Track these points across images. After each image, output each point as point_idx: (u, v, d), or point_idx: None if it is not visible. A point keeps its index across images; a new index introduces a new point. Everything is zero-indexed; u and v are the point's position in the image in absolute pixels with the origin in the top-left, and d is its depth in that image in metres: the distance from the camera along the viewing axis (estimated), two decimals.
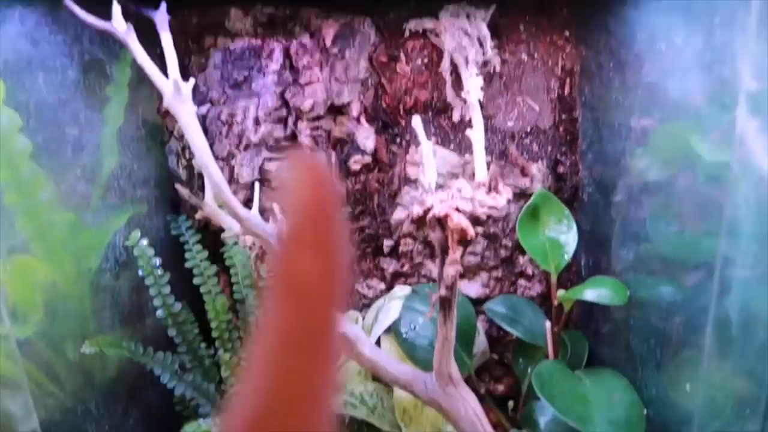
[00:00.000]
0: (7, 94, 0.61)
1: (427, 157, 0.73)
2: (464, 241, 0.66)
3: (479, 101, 0.80)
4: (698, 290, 0.69)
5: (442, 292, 0.67)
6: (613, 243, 0.86)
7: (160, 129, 0.94)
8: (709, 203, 0.67)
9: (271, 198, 0.89)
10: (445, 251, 0.67)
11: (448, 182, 0.88)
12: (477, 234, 0.66)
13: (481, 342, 0.90)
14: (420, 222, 0.68)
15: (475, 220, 0.66)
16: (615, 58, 0.83)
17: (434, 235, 0.68)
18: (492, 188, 0.68)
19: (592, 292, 0.75)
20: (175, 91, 0.68)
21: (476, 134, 0.76)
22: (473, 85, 0.79)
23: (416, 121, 0.75)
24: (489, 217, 0.67)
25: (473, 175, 0.79)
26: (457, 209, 0.66)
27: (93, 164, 0.77)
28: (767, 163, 0.61)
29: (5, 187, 0.60)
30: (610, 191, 0.87)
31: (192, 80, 0.71)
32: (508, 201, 0.68)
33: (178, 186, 0.78)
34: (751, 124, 0.62)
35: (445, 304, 0.68)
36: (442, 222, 0.66)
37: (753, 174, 0.61)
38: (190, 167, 0.92)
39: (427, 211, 0.67)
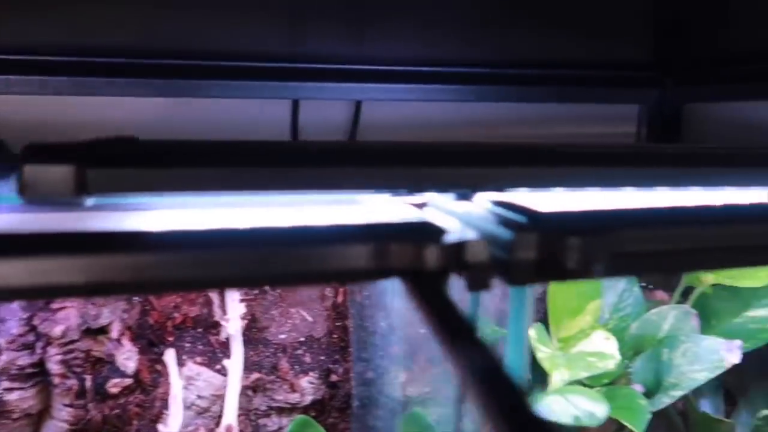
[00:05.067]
0: None
1: (175, 401, 0.71)
2: None
3: (241, 324, 0.82)
4: None
5: None
6: None
7: None
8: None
9: (18, 428, 0.80)
10: None
11: (212, 407, 0.86)
12: None
13: None
14: None
15: None
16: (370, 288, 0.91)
17: None
18: None
19: None
20: None
21: (233, 366, 0.77)
22: (234, 313, 0.80)
23: (170, 356, 0.74)
24: None
25: (241, 395, 0.78)
26: None
27: None
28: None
29: None
30: (376, 403, 0.91)
31: None
32: None
33: None
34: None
35: None
36: None
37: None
38: None
39: None
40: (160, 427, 0.79)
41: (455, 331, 0.33)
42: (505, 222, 0.40)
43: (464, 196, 0.54)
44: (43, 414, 0.84)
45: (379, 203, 0.56)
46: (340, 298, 0.99)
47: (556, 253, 0.38)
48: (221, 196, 0.47)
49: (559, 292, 0.88)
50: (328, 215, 0.56)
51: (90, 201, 0.41)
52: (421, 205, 0.55)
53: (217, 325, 0.90)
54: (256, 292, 0.91)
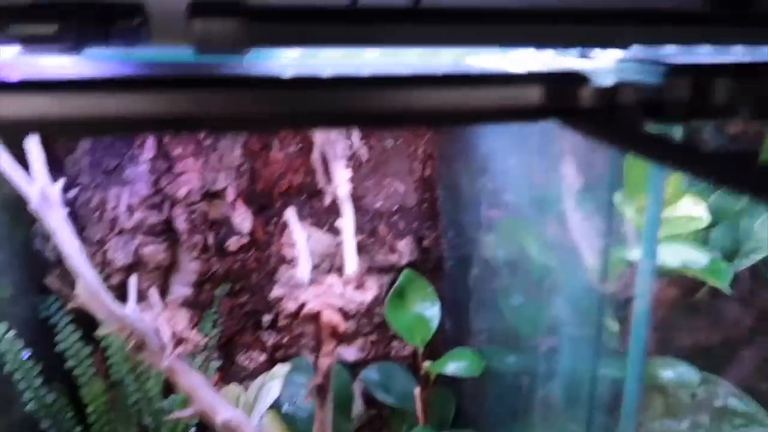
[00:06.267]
0: None
1: (301, 251, 0.78)
2: (336, 334, 0.73)
3: (349, 188, 0.87)
4: (534, 361, 0.81)
5: (318, 380, 0.73)
6: (471, 312, 0.97)
7: (23, 208, 0.91)
8: (541, 291, 0.79)
9: (150, 280, 0.90)
10: (319, 343, 0.73)
11: (322, 263, 0.94)
12: (347, 328, 0.72)
13: (358, 405, 0.97)
14: (295, 317, 0.74)
15: (345, 315, 0.73)
16: (465, 154, 0.94)
17: (308, 329, 0.74)
18: (359, 285, 0.75)
19: (452, 366, 0.85)
20: (41, 199, 0.68)
21: (346, 225, 0.83)
22: (341, 178, 0.86)
23: (290, 214, 0.80)
24: (357, 312, 0.74)
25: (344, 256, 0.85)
26: (329, 305, 0.72)
27: None
28: (587, 262, 0.74)
29: None
30: (468, 265, 0.97)
31: (61, 181, 0.71)
32: (374, 297, 0.76)
33: (49, 279, 0.77)
34: (574, 229, 0.74)
35: (320, 391, 0.74)
36: (315, 317, 0.72)
37: (573, 273, 0.73)
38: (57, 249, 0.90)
39: (301, 307, 0.73)
40: (295, 271, 0.87)
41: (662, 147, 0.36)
42: (647, 70, 0.42)
43: (586, 55, 0.55)
44: (170, 268, 0.94)
45: (523, 56, 0.58)
46: (428, 172, 1.04)
47: (705, 93, 0.40)
48: (370, 48, 0.50)
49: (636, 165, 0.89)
50: (490, 61, 0.58)
51: (250, 52, 0.44)
52: (560, 58, 0.57)
53: (319, 193, 0.96)
54: (353, 164, 0.95)
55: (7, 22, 0.36)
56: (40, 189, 0.67)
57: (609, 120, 0.39)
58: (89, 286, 0.69)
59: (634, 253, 0.80)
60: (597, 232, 0.73)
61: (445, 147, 0.99)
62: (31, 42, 0.37)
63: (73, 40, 0.38)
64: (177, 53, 0.52)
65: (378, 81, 0.38)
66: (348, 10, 0.46)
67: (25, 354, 0.81)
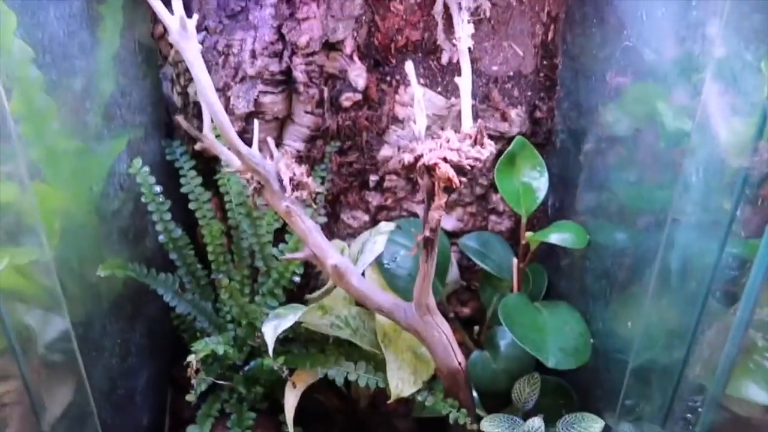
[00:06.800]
0: (19, 27, 0.62)
1: (418, 105, 0.77)
2: (449, 189, 0.73)
3: (470, 44, 0.84)
4: (647, 238, 0.78)
5: (426, 233, 0.74)
6: (579, 188, 0.94)
7: (154, 53, 0.94)
8: (667, 164, 0.75)
9: (265, 131, 0.93)
10: (431, 196, 0.74)
11: (433, 126, 0.93)
12: (461, 182, 0.72)
13: (453, 272, 0.99)
14: (410, 168, 0.74)
15: (459, 170, 0.72)
16: (599, 13, 0.87)
17: (422, 182, 0.74)
18: (477, 141, 0.74)
19: (556, 236, 0.84)
20: (181, 28, 0.70)
21: (464, 83, 0.81)
22: (464, 32, 0.82)
23: (409, 67, 0.79)
24: (473, 167, 0.73)
25: (458, 118, 0.84)
26: (445, 159, 0.72)
27: (92, 90, 0.79)
28: (723, 134, 0.69)
29: (21, 117, 0.63)
30: (581, 139, 0.94)
31: (196, 16, 0.72)
32: (491, 154, 0.74)
33: (178, 118, 0.81)
34: (713, 96, 0.69)
35: (428, 244, 0.75)
36: (430, 170, 0.73)
37: (708, 144, 0.68)
38: (185, 94, 0.94)
39: (417, 159, 0.73)
40: (405, 132, 0.87)
41: None
42: None
43: None
44: (285, 120, 0.96)
45: None
46: (550, 35, 0.98)
47: None
48: None
49: None
50: None
51: None
52: None
53: (437, 50, 0.93)
54: (474, 20, 0.91)
55: None
56: (180, 18, 0.69)
57: None
58: (219, 122, 0.72)
59: None
60: (739, 102, 0.67)
61: (573, 7, 0.93)
62: None
63: None
64: None
65: None
66: None
67: (158, 189, 0.87)
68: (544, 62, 0.99)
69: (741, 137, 0.67)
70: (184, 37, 0.70)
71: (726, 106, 0.68)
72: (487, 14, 0.93)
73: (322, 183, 0.97)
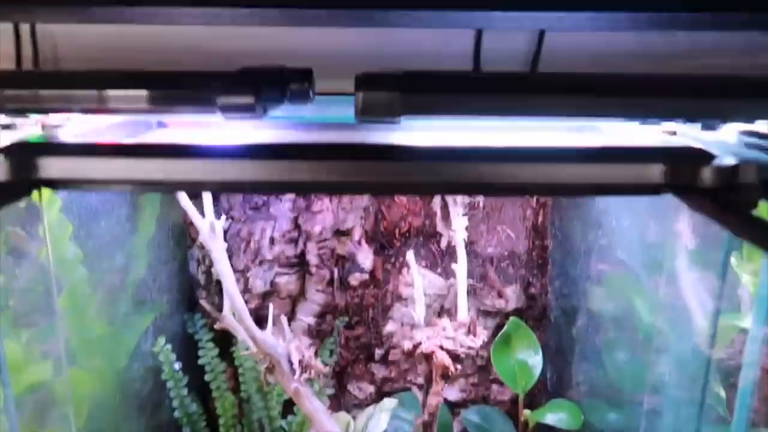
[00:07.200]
0: (72, 234, 0.72)
1: (418, 293, 0.86)
2: (446, 375, 0.78)
3: (465, 235, 0.94)
4: (637, 417, 0.81)
5: (425, 417, 0.79)
6: (573, 363, 0.99)
7: (185, 235, 1.05)
8: (646, 349, 0.80)
9: (280, 307, 1.01)
10: (429, 381, 0.79)
11: (434, 304, 1.01)
12: (457, 369, 0.78)
13: None
14: (409, 355, 0.81)
15: (455, 358, 0.79)
16: (579, 207, 0.98)
17: (421, 368, 0.80)
18: (471, 331, 0.80)
19: (552, 416, 0.88)
20: (210, 230, 0.81)
21: (460, 272, 0.90)
22: (459, 225, 0.92)
23: (410, 257, 0.88)
24: (467, 355, 0.79)
25: (457, 296, 0.91)
26: (441, 347, 0.79)
27: (127, 278, 0.88)
28: (696, 323, 0.75)
29: (66, 310, 0.71)
30: (573, 316, 1.00)
31: (223, 218, 0.83)
32: (484, 342, 0.81)
33: (203, 302, 0.90)
34: (678, 287, 0.76)
35: (427, 428, 0.79)
36: (427, 357, 0.79)
37: (678, 335, 0.74)
38: (208, 273, 1.04)
39: (416, 347, 0.80)
40: (408, 310, 0.94)
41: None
42: None
43: (711, 127, 0.59)
44: (298, 297, 1.04)
45: (629, 131, 0.63)
46: (539, 219, 1.08)
47: None
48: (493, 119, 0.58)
49: None
50: (602, 138, 0.63)
51: (401, 120, 0.52)
52: (672, 133, 0.61)
53: (437, 235, 1.03)
54: (469, 209, 1.02)
55: (214, 94, 0.46)
56: (210, 223, 0.80)
57: (726, 202, 0.43)
58: (238, 310, 0.81)
59: (748, 320, 0.80)
60: (709, 294, 0.74)
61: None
62: (232, 110, 0.47)
63: (262, 106, 0.48)
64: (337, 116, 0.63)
65: (504, 155, 0.45)
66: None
67: (178, 366, 0.94)
68: (536, 242, 1.09)
69: (713, 329, 0.73)
70: (212, 238, 0.81)
71: (697, 299, 0.75)
72: (481, 204, 1.04)
73: (331, 355, 1.03)
